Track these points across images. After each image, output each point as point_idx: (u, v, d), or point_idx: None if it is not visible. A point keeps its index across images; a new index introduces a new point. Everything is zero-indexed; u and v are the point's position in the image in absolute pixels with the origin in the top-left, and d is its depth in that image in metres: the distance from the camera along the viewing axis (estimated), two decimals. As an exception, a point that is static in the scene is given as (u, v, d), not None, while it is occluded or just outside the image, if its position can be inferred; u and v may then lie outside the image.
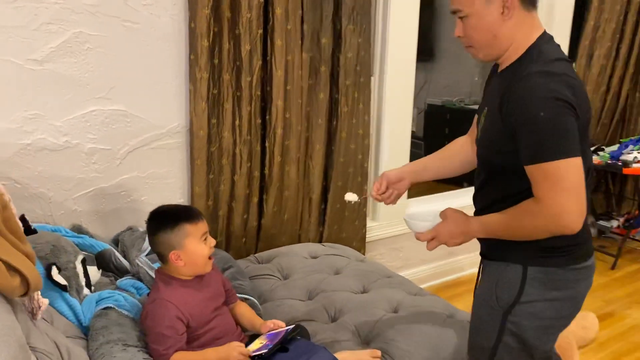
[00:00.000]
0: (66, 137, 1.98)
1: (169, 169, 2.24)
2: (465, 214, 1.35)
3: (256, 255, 2.39)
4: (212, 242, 1.60)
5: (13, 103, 1.86)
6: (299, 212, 2.56)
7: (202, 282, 1.62)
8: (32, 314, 1.28)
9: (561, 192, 1.16)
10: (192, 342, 1.56)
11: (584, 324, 2.68)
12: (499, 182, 1.32)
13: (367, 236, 2.86)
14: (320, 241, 2.66)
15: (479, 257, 1.50)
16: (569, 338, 2.45)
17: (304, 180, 2.53)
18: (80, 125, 2.00)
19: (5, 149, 1.88)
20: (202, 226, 1.58)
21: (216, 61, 2.16)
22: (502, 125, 1.23)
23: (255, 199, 2.40)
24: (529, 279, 1.33)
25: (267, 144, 2.36)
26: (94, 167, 2.07)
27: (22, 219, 1.74)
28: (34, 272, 1.15)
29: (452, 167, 1.62)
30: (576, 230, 1.19)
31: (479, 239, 1.44)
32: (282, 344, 1.55)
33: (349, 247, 2.61)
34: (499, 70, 1.35)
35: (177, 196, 2.29)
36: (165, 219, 1.56)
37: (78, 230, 2.01)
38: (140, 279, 1.89)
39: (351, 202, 1.71)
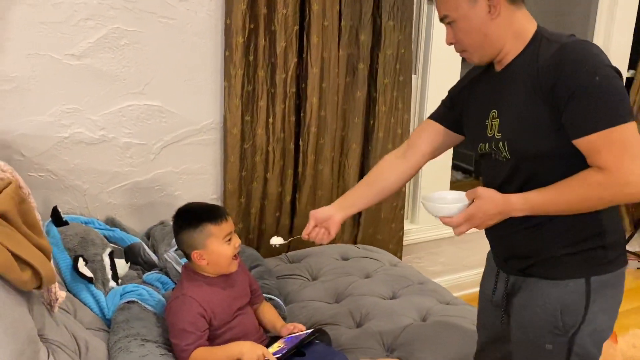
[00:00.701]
0: (102, 131, 2.02)
1: (203, 165, 2.25)
2: (499, 192, 1.23)
3: (287, 254, 2.37)
4: (236, 242, 1.57)
5: (52, 97, 1.91)
6: (332, 213, 2.51)
7: (227, 280, 1.61)
8: (50, 306, 1.30)
9: (630, 158, 1.08)
10: (213, 340, 1.55)
11: (635, 342, 2.51)
12: (544, 176, 1.19)
13: (405, 239, 2.78)
14: (354, 243, 2.61)
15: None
16: (617, 358, 2.30)
17: (339, 180, 2.48)
18: (116, 119, 2.03)
19: (43, 142, 1.93)
20: (226, 227, 1.55)
21: (251, 58, 2.15)
22: (543, 107, 1.14)
23: (288, 198, 2.38)
24: (592, 292, 1.23)
25: (301, 143, 2.32)
26: (129, 161, 2.10)
27: (55, 210, 1.79)
28: (46, 266, 1.16)
29: (384, 188, 1.51)
30: None
31: (512, 252, 1.35)
32: (299, 349, 1.52)
33: (385, 249, 2.54)
34: (499, 68, 1.28)
35: (210, 192, 2.29)
36: (188, 219, 1.55)
37: (111, 222, 2.05)
38: (167, 274, 1.91)
39: (276, 245, 1.65)
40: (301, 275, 2.16)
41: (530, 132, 1.18)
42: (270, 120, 2.23)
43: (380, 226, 2.62)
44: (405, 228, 2.74)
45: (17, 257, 1.08)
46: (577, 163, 1.14)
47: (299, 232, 2.44)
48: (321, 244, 1.54)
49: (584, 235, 1.23)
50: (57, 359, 1.21)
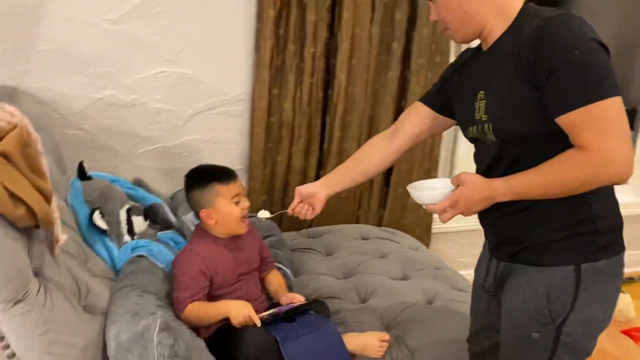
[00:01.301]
0: (134, 95, 2.11)
1: (230, 135, 2.30)
2: (483, 177, 1.19)
3: (308, 229, 2.38)
4: (245, 204, 1.62)
5: (88, 59, 2.01)
6: (357, 192, 2.50)
7: (236, 243, 1.65)
8: (52, 247, 1.38)
9: (612, 135, 1.02)
10: (213, 299, 1.59)
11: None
12: (531, 159, 1.13)
13: (434, 227, 2.72)
14: (379, 225, 2.58)
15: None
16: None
17: (366, 159, 2.46)
18: (148, 85, 2.11)
19: (79, 101, 2.05)
20: (235, 187, 1.60)
21: (282, 31, 2.17)
22: (526, 85, 1.09)
23: (312, 173, 2.39)
24: (583, 280, 1.17)
25: (327, 119, 2.32)
26: (159, 126, 2.18)
27: (80, 165, 1.90)
28: (43, 206, 1.24)
29: (368, 169, 1.51)
30: (627, 179, 1.05)
31: (501, 238, 1.29)
32: (290, 315, 1.54)
33: (411, 235, 2.50)
34: (486, 48, 1.22)
35: (237, 162, 2.35)
36: (198, 178, 1.62)
37: (138, 184, 2.14)
38: (183, 235, 1.98)
39: (263, 219, 1.65)
40: (316, 250, 2.18)
41: (514, 113, 1.13)
42: (298, 94, 2.25)
43: (407, 210, 2.58)
44: (435, 215, 2.69)
45: (11, 194, 1.16)
46: (566, 145, 1.08)
47: (324, 208, 2.46)
48: (307, 218, 1.55)
49: (572, 219, 1.16)
50: (50, 295, 1.28)
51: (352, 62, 2.25)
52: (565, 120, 1.05)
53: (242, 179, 2.37)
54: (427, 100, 1.44)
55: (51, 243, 1.39)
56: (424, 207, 1.24)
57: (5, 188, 1.15)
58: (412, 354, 1.58)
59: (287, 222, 2.43)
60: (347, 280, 1.98)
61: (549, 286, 1.19)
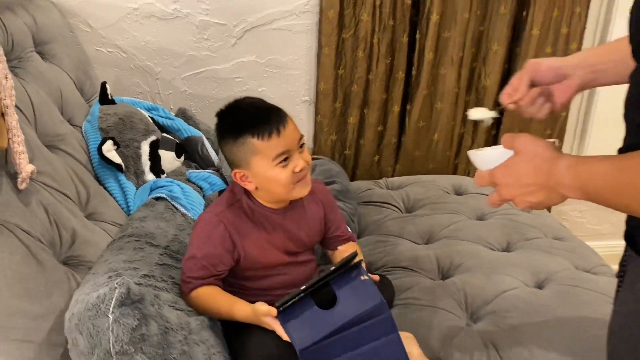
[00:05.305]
0: (176, 5, 1.73)
1: (293, 58, 1.85)
2: (553, 150, 0.69)
3: (389, 179, 1.90)
4: (299, 163, 1.05)
5: (119, -42, 1.66)
6: (456, 134, 1.95)
7: (287, 212, 1.14)
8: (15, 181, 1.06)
9: None
10: (241, 279, 1.15)
11: None
12: None
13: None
14: (483, 177, 2.02)
15: None
16: None
17: (468, 92, 1.89)
18: (192, -9, 1.72)
19: (111, 12, 1.71)
20: (280, 143, 1.04)
21: None
22: None
23: (395, 108, 1.87)
24: None
25: (417, 35, 1.78)
26: (206, 45, 1.80)
27: (102, 86, 1.57)
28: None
29: None
30: None
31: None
32: (313, 289, 0.97)
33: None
34: None
35: (302, 92, 1.90)
36: (228, 123, 1.09)
37: (182, 114, 1.78)
38: (222, 176, 1.60)
39: (481, 121, 1.05)
40: (392, 205, 1.69)
41: None
42: (378, 1, 1.72)
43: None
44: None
45: None
46: None
47: (407, 153, 1.95)
48: (538, 117, 0.97)
49: None
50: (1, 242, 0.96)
51: (453, -45, 1.67)
52: None
53: (309, 114, 1.94)
54: None
55: (15, 174, 1.06)
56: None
57: None
58: (505, 364, 1.08)
59: (363, 169, 1.97)
60: (427, 247, 1.49)
61: None
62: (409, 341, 1.05)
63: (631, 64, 0.70)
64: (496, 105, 1.06)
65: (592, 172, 0.64)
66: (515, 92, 0.95)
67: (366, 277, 0.97)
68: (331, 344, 0.91)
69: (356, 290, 0.95)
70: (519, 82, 0.95)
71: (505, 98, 0.96)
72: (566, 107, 0.91)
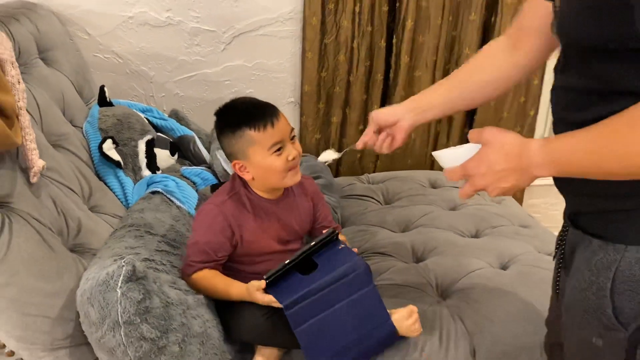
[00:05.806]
0: (168, 13, 1.85)
1: (279, 62, 1.98)
2: (519, 136, 0.79)
3: (370, 175, 2.03)
4: (291, 152, 1.19)
5: (114, -30, 1.77)
6: (433, 133, 2.09)
7: (280, 203, 1.28)
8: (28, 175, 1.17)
9: None
10: (238, 263, 1.28)
11: None
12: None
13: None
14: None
15: None
16: None
17: (443, 92, 2.03)
18: (183, 0, 1.84)
19: (108, 20, 1.83)
20: (273, 134, 1.17)
21: None
22: None
23: (375, 108, 2.01)
24: None
25: (394, 40, 1.91)
26: (197, 50, 1.91)
27: (101, 89, 1.68)
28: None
29: (477, 92, 1.04)
30: None
31: (566, 194, 0.86)
32: (297, 261, 1.13)
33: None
34: None
35: (287, 94, 2.03)
36: (226, 119, 1.22)
37: (175, 116, 1.90)
38: (214, 172, 1.72)
39: (327, 162, 1.27)
40: (372, 198, 1.83)
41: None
42: (357, 9, 1.85)
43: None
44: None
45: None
46: None
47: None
48: (384, 152, 1.18)
49: None
50: (13, 227, 1.07)
51: (425, -34, 1.81)
52: None
53: (295, 115, 2.06)
54: None
55: (26, 168, 1.17)
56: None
57: None
58: (470, 336, 1.21)
59: (345, 166, 2.10)
60: (403, 235, 1.62)
61: (616, 272, 0.75)
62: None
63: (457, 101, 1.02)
64: (340, 150, 1.38)
65: (566, 145, 0.73)
66: (364, 137, 1.16)
67: (343, 246, 1.12)
68: (314, 302, 1.06)
69: (334, 256, 1.10)
70: (368, 129, 1.16)
71: (359, 144, 1.17)
72: (405, 141, 1.12)
